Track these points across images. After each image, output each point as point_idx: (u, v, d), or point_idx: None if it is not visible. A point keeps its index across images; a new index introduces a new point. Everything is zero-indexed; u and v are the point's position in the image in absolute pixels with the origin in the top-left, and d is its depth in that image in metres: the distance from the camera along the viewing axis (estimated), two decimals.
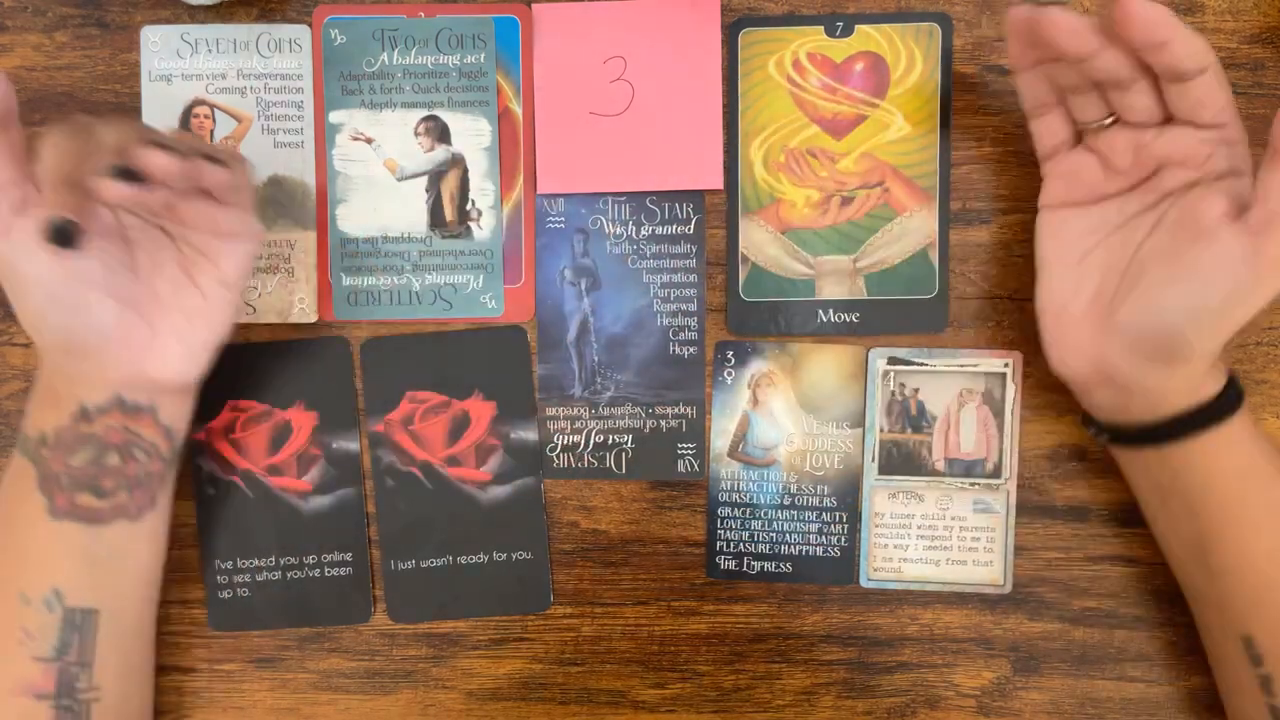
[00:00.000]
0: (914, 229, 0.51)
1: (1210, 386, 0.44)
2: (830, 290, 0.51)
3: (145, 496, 0.46)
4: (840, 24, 0.50)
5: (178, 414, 0.47)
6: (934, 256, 0.51)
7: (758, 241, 0.51)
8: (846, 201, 0.51)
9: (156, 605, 0.49)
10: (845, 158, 0.51)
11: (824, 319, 0.51)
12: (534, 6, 0.51)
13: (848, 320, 0.51)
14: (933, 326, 0.51)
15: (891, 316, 0.51)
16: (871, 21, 0.50)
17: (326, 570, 0.52)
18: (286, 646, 0.53)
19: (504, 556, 0.52)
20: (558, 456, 0.52)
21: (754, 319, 0.51)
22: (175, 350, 0.45)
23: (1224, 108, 0.41)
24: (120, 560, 0.46)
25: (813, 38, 0.51)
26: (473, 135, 0.51)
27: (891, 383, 0.51)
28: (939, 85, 0.50)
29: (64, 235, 0.40)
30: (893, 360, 0.51)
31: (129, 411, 0.45)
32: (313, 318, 0.52)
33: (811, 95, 0.51)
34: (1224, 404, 0.44)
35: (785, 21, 0.51)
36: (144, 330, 0.44)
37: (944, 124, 0.50)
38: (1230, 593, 0.45)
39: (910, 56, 0.50)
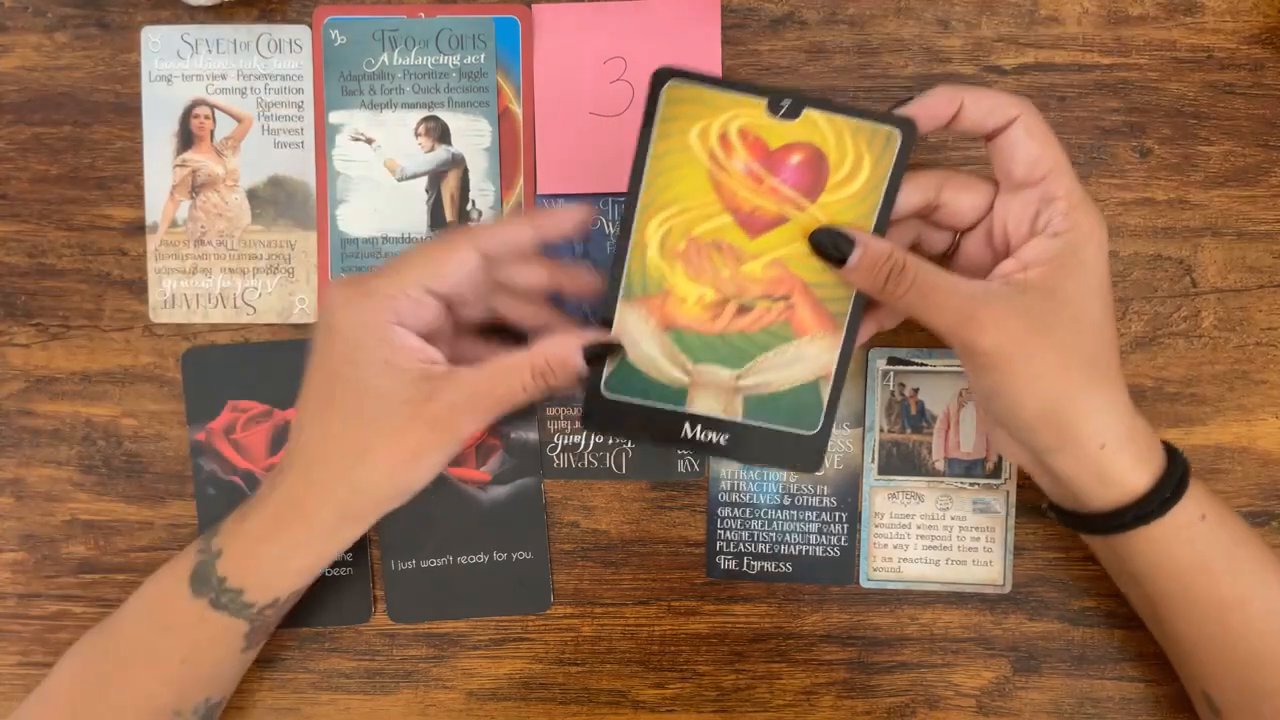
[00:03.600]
0: (811, 356, 0.44)
1: (1139, 482, 0.42)
2: (702, 404, 0.44)
3: None
4: (788, 102, 0.41)
5: None
6: (824, 391, 0.44)
7: (633, 335, 0.44)
8: (744, 310, 0.44)
9: None
10: (754, 260, 0.43)
11: (688, 434, 0.45)
12: (534, 6, 0.51)
13: (715, 440, 0.45)
14: (808, 466, 0.45)
15: (764, 447, 0.45)
16: (825, 109, 0.42)
17: (327, 570, 0.52)
18: (286, 646, 0.53)
19: (504, 556, 0.52)
20: (558, 456, 0.52)
21: (614, 417, 0.45)
22: None
23: (1037, 160, 0.41)
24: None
25: (750, 112, 0.42)
26: (473, 135, 0.51)
27: (891, 383, 0.51)
28: (880, 201, 0.42)
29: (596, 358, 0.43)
30: (892, 360, 0.51)
31: None
32: (313, 318, 0.52)
33: (732, 180, 0.42)
34: (1149, 504, 0.42)
35: (723, 85, 0.41)
36: None
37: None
38: (1182, 658, 0.46)
39: (857, 160, 0.42)
